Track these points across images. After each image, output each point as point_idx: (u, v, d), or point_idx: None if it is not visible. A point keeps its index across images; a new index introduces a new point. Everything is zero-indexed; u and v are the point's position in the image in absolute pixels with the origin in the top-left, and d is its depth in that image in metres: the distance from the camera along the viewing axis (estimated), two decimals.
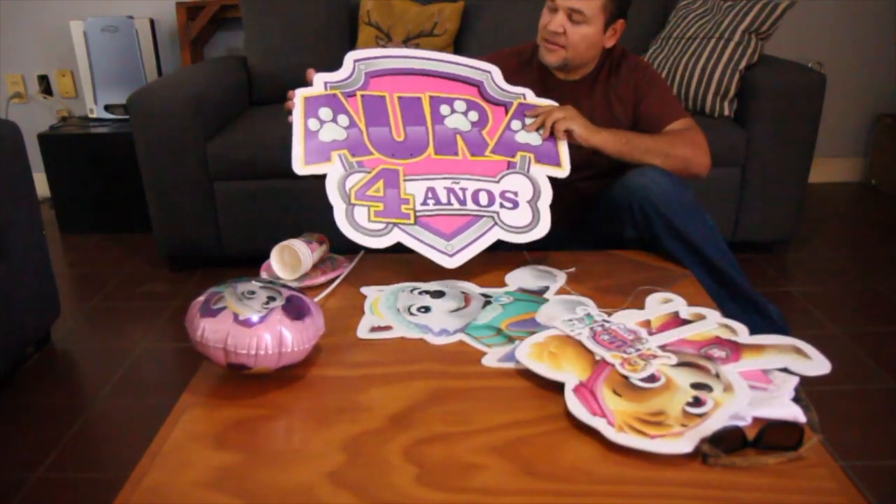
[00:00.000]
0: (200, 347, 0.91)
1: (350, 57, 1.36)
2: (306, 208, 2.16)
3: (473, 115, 1.37)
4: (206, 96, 2.19)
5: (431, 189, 1.28)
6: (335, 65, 1.29)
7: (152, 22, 2.72)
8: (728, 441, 0.77)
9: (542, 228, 1.27)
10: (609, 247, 1.40)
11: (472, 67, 1.40)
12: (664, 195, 1.30)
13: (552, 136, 1.34)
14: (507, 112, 1.38)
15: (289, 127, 1.31)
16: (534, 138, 1.35)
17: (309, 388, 0.95)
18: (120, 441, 1.52)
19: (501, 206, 1.28)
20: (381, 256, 1.35)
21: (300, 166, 1.27)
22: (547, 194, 1.30)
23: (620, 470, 0.77)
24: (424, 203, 1.27)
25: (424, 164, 1.31)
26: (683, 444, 0.78)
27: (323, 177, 1.26)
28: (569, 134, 1.33)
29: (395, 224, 1.24)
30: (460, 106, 1.37)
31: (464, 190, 1.29)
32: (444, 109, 1.36)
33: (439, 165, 1.31)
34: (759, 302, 1.34)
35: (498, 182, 1.30)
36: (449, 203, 1.28)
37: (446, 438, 0.84)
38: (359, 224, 1.22)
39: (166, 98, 2.10)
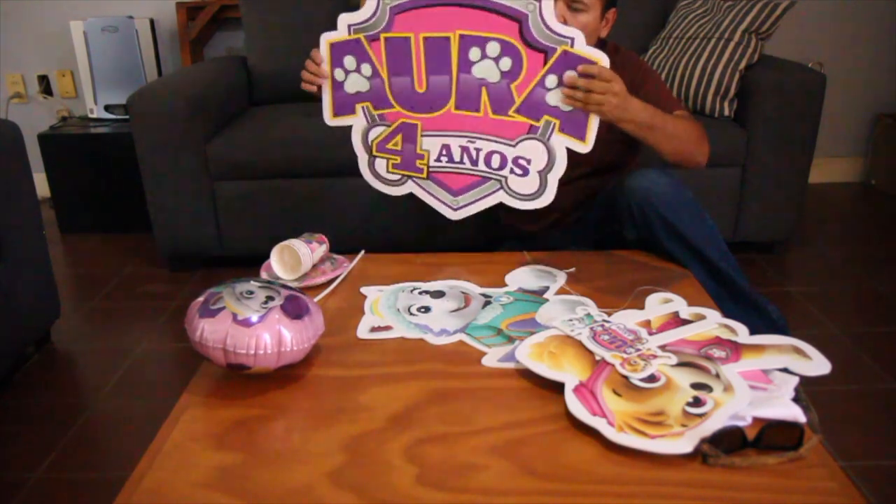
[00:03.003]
0: (200, 348, 0.91)
1: None
2: (306, 208, 2.16)
3: (506, 63, 1.22)
4: (206, 96, 2.19)
5: (446, 146, 1.32)
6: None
7: (152, 22, 2.72)
8: (728, 441, 0.77)
9: (547, 198, 1.28)
10: (609, 247, 1.40)
11: None
12: (664, 196, 1.30)
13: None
14: (545, 62, 1.20)
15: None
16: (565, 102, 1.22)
17: (309, 388, 0.95)
18: (120, 441, 1.52)
19: (511, 171, 1.29)
20: (381, 256, 1.36)
21: (329, 117, 1.37)
22: (560, 166, 1.26)
23: (620, 470, 0.77)
24: (438, 160, 1.34)
25: (443, 119, 1.31)
26: (683, 444, 0.78)
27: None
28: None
29: (409, 177, 1.38)
30: (493, 49, 1.22)
31: (478, 151, 1.30)
32: (474, 54, 1.23)
33: (458, 122, 1.30)
34: (759, 302, 1.34)
35: (514, 146, 1.28)
36: (461, 162, 1.32)
37: (446, 438, 0.84)
38: (378, 174, 1.40)
39: (166, 98, 2.09)
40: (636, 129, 1.27)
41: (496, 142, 1.29)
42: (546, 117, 1.24)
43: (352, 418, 0.88)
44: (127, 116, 2.51)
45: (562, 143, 1.24)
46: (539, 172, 1.27)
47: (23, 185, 1.74)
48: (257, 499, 0.75)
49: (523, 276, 1.26)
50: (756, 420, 0.82)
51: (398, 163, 1.37)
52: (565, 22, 1.35)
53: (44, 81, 2.97)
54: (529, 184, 1.28)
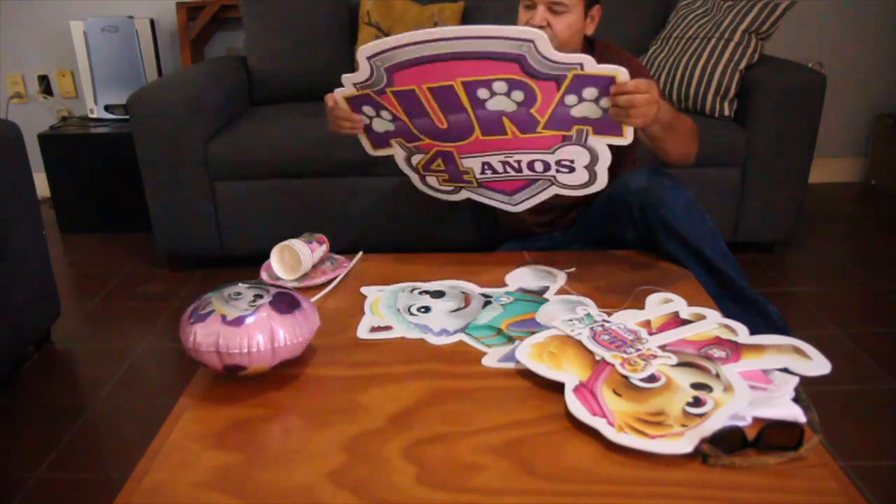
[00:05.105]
0: (195, 354, 0.91)
1: (361, 55, 1.16)
2: (306, 208, 2.16)
3: (517, 95, 1.14)
4: (206, 96, 2.19)
5: (487, 163, 1.32)
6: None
7: (152, 22, 2.72)
8: (728, 441, 0.77)
9: (600, 183, 1.27)
10: (609, 247, 1.40)
11: (507, 39, 1.07)
12: (663, 196, 1.30)
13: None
14: (559, 87, 1.11)
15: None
16: (592, 111, 1.13)
17: (309, 388, 0.95)
18: (120, 441, 1.52)
19: (558, 171, 1.28)
20: (381, 256, 1.36)
21: (371, 150, 1.39)
22: (605, 159, 1.20)
23: (620, 470, 0.77)
24: (483, 174, 1.35)
25: (474, 144, 1.27)
26: (683, 444, 0.78)
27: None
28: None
29: (462, 187, 1.42)
30: (500, 87, 1.13)
31: (519, 161, 1.29)
32: (483, 93, 1.15)
33: (489, 145, 1.26)
34: (760, 302, 1.34)
35: (553, 153, 1.24)
36: (506, 172, 1.33)
37: (446, 438, 0.84)
38: (433, 186, 1.44)
39: (166, 98, 2.09)
40: (661, 130, 1.23)
41: (533, 153, 1.26)
42: (577, 126, 1.17)
43: (352, 418, 0.88)
44: (127, 116, 2.51)
45: (601, 141, 1.18)
46: (586, 167, 1.25)
47: (23, 185, 1.74)
48: (257, 499, 0.75)
49: (523, 276, 1.26)
50: (756, 420, 0.82)
51: (448, 178, 1.40)
52: (549, 25, 1.35)
53: (44, 81, 2.97)
54: (579, 177, 1.28)
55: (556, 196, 1.34)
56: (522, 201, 1.39)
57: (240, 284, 0.98)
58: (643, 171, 1.34)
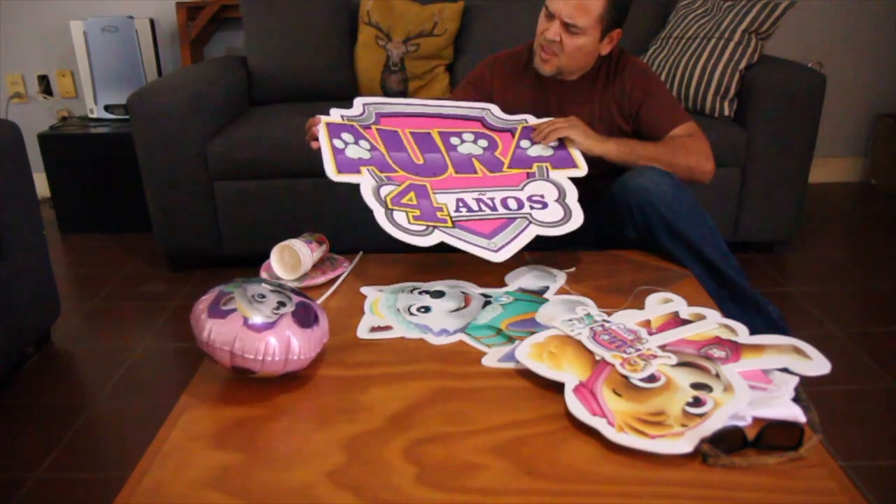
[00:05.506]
0: (206, 347, 0.91)
1: (358, 101, 1.44)
2: (306, 208, 2.16)
3: (483, 142, 1.43)
4: (206, 96, 2.19)
5: (461, 199, 1.29)
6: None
7: (152, 22, 2.72)
8: (728, 441, 0.77)
9: (577, 220, 1.24)
10: (609, 247, 1.41)
11: (471, 108, 1.48)
12: (664, 196, 1.30)
13: (561, 143, 1.39)
14: (513, 136, 1.44)
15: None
16: (543, 149, 1.40)
17: (309, 387, 0.95)
18: (120, 441, 1.52)
19: (532, 207, 1.28)
20: (381, 256, 1.36)
21: (334, 173, 1.29)
22: (572, 192, 1.30)
23: (620, 470, 0.77)
24: (458, 211, 1.27)
25: (448, 181, 1.34)
26: (683, 444, 0.78)
27: (347, 185, 1.29)
28: (571, 142, 1.38)
29: (435, 226, 1.22)
30: (468, 136, 1.43)
31: (492, 199, 1.30)
32: (455, 140, 1.42)
33: (462, 182, 1.34)
34: (760, 302, 1.34)
35: (522, 189, 1.32)
36: (480, 210, 1.28)
37: (446, 438, 0.84)
38: (400, 224, 1.21)
39: (166, 98, 2.09)
40: (614, 157, 1.39)
41: (505, 190, 1.32)
42: (536, 164, 1.38)
43: (352, 418, 0.88)
44: (127, 116, 2.52)
45: (561, 174, 1.35)
46: (556, 201, 1.29)
47: (23, 185, 1.74)
48: (257, 499, 0.75)
49: (523, 276, 1.26)
50: (756, 420, 0.82)
51: (419, 215, 1.24)
52: (561, 41, 1.40)
53: (44, 81, 2.97)
54: (554, 212, 1.27)
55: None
56: (503, 246, 1.20)
57: (263, 285, 0.96)
58: (644, 171, 1.34)
